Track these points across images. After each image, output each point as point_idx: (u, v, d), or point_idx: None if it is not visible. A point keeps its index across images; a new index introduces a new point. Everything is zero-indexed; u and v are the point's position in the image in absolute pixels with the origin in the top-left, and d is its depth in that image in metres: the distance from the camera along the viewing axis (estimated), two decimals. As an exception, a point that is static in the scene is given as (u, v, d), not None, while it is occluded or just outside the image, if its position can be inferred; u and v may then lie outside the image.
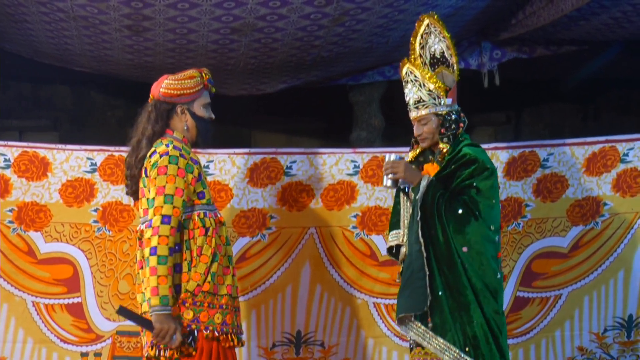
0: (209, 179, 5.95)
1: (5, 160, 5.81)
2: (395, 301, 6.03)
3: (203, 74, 4.90)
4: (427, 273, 4.85)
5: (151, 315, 4.59)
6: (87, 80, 8.64)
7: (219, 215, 4.84)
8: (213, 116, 4.95)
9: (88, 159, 5.86)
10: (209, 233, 4.72)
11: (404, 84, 5.13)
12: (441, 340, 4.87)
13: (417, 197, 4.92)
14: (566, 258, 6.15)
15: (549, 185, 6.10)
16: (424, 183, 4.92)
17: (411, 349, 5.14)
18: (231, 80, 7.68)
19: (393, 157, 5.02)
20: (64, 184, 5.88)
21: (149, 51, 6.79)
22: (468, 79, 8.06)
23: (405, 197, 5.14)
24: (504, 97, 9.18)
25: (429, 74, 5.03)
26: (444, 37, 5.09)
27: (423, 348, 5.02)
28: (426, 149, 5.15)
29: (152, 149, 4.78)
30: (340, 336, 6.12)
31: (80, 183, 5.89)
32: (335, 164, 6.07)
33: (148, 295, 4.58)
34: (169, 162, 4.66)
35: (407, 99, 5.11)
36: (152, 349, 4.68)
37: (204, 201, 4.78)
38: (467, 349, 4.83)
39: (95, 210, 5.91)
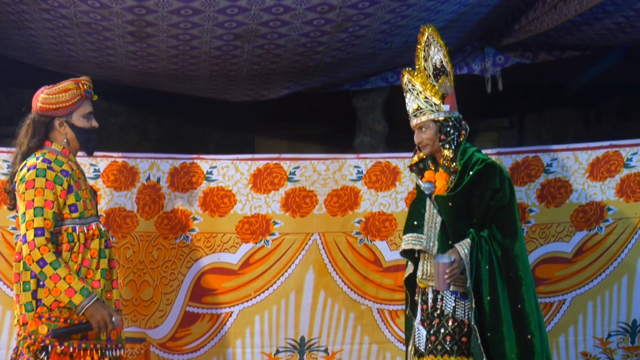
0: (212, 184, 5.96)
1: (10, 167, 5.79)
2: (399, 307, 6.06)
3: (80, 84, 4.88)
4: None
5: (82, 314, 4.62)
6: (89, 86, 8.64)
7: (93, 228, 4.83)
8: (96, 124, 4.94)
9: (91, 165, 5.85)
10: (75, 249, 4.74)
11: (404, 94, 5.18)
12: None
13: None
14: (570, 263, 6.14)
15: (553, 190, 6.10)
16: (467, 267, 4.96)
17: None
18: (234, 86, 7.68)
19: (443, 261, 4.90)
20: (67, 191, 5.88)
21: (152, 57, 6.79)
22: (471, 85, 8.08)
23: (430, 202, 5.15)
24: (507, 103, 9.18)
25: (423, 81, 5.10)
26: (440, 46, 5.16)
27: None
28: (426, 157, 5.19)
29: (23, 162, 4.80)
30: (344, 342, 6.11)
31: (84, 189, 5.88)
32: (339, 169, 6.07)
33: (66, 301, 4.59)
34: (37, 176, 4.68)
35: (407, 108, 5.17)
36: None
37: (75, 215, 4.78)
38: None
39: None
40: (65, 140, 4.87)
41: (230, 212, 6.02)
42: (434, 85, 5.09)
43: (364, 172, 6.04)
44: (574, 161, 6.09)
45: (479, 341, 4.88)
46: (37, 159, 4.75)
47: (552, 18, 6.72)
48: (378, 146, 8.30)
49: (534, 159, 6.08)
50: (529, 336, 4.93)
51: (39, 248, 4.59)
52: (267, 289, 6.06)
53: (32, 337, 4.65)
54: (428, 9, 6.32)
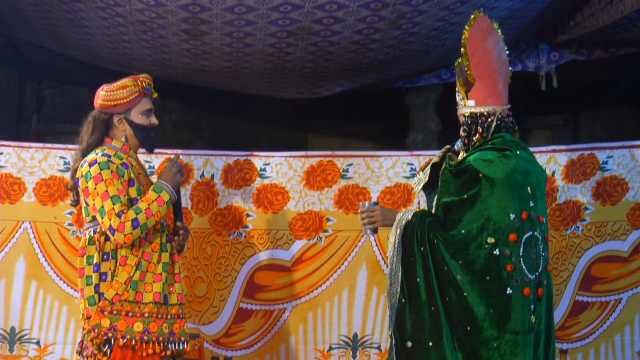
0: (265, 181, 5.98)
1: (66, 163, 5.87)
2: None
3: (139, 82, 4.94)
4: None
5: (169, 192, 4.85)
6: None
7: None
8: (156, 121, 4.99)
9: (146, 162, 5.91)
10: (136, 242, 4.78)
11: None
12: None
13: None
14: (626, 262, 6.08)
15: (609, 188, 6.04)
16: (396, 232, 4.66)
17: None
18: (288, 83, 7.70)
19: (367, 204, 4.83)
20: (122, 187, 5.93)
21: (206, 55, 6.82)
22: (525, 82, 8.03)
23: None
24: (562, 100, 9.11)
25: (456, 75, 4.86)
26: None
27: None
28: None
29: (83, 159, 4.88)
30: (397, 339, 6.10)
31: (139, 186, 5.94)
32: (392, 166, 6.06)
33: (166, 206, 4.81)
34: (101, 169, 4.76)
35: None
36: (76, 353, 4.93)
37: None
38: None
39: (154, 213, 5.95)
40: (124, 137, 4.94)
41: (284, 208, 6.04)
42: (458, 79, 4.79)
43: (417, 169, 6.02)
44: (630, 159, 6.03)
45: (394, 318, 4.67)
46: (97, 154, 4.83)
47: (607, 14, 6.66)
48: (431, 144, 8.27)
49: (589, 157, 6.03)
50: (467, 328, 4.49)
51: (125, 222, 4.66)
52: (320, 285, 6.07)
53: (96, 330, 4.73)
54: (482, 6, 6.28)
